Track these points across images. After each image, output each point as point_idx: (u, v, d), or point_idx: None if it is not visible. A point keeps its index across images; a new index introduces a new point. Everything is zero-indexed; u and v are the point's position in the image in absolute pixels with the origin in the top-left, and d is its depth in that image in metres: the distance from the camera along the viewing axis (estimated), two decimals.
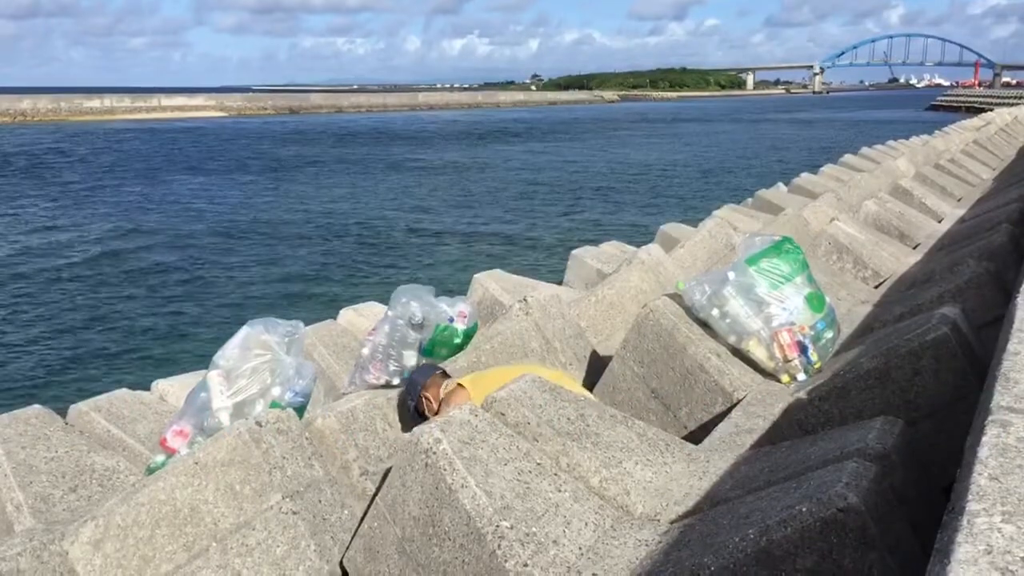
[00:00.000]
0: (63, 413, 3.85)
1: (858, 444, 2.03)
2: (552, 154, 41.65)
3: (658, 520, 2.18)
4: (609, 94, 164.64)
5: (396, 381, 4.43)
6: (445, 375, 3.44)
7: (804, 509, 1.69)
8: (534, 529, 2.01)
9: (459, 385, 3.22)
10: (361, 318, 6.12)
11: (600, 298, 4.58)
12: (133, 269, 15.84)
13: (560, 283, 6.97)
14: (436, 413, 3.15)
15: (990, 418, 1.32)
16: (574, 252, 7.14)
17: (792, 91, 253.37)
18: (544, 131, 60.60)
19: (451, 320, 4.07)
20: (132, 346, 11.31)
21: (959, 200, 8.37)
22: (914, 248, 5.88)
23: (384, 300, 5.57)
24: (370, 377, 4.46)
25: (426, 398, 3.29)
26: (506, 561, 1.91)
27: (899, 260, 5.23)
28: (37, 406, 3.69)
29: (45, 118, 70.94)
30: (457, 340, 4.44)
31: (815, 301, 3.28)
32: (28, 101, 74.83)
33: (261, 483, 2.54)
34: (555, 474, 2.26)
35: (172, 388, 4.65)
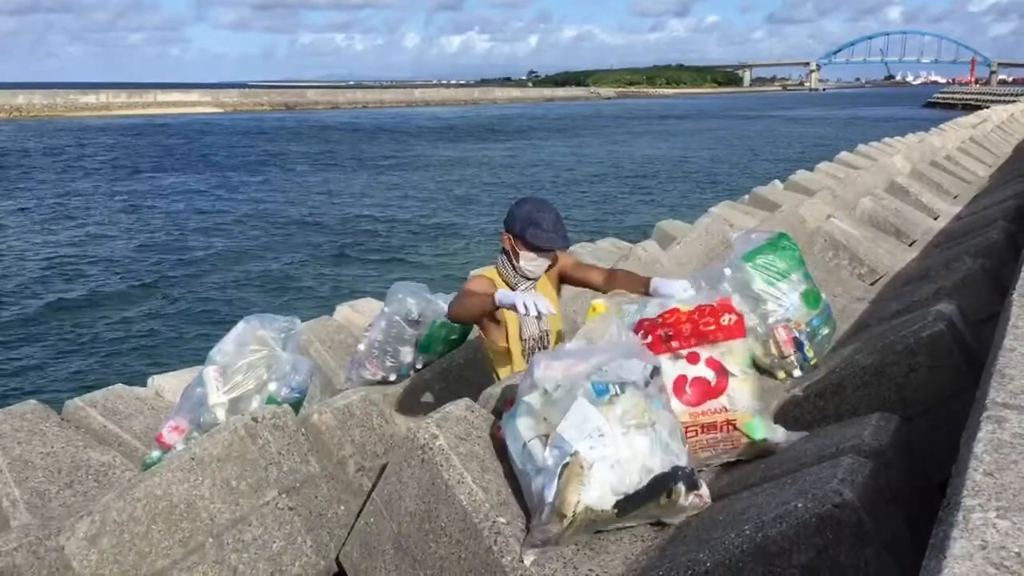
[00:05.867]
0: (59, 409, 3.85)
1: (854, 440, 2.03)
2: (548, 150, 41.63)
3: None
4: (606, 91, 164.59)
5: (392, 377, 4.43)
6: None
7: (800, 505, 1.70)
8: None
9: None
10: (357, 314, 6.12)
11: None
12: (128, 265, 15.81)
13: None
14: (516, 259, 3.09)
15: (985, 414, 1.32)
16: (570, 249, 7.14)
17: (788, 88, 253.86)
18: (539, 127, 60.57)
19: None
20: (128, 342, 11.30)
21: (955, 197, 8.38)
22: (910, 245, 5.89)
23: (380, 296, 5.57)
24: (367, 373, 4.46)
25: (506, 243, 3.13)
26: (502, 557, 1.91)
27: (895, 257, 5.24)
28: (33, 401, 3.69)
29: (40, 113, 70.69)
30: (453, 336, 4.45)
31: (811, 298, 3.28)
32: (23, 96, 74.55)
33: (257, 479, 2.54)
34: None
35: (168, 384, 4.65)
